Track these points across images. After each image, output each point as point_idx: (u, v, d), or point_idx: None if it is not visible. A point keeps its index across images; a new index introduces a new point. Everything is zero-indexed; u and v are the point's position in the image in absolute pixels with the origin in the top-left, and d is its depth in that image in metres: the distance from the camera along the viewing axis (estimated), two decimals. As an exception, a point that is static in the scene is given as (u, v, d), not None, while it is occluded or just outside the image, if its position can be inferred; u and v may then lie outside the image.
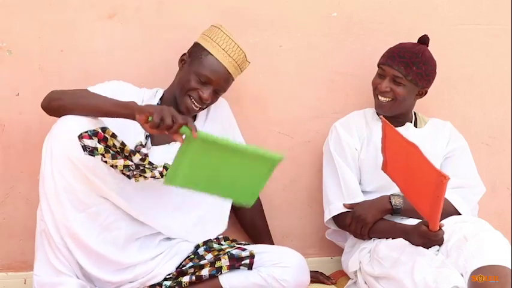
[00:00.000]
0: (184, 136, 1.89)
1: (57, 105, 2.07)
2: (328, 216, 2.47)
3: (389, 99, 2.41)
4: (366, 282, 2.33)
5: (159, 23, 2.49)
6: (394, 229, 2.32)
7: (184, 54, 2.32)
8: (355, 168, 2.48)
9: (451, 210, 2.31)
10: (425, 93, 2.48)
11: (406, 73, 2.38)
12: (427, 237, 2.16)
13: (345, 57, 2.68)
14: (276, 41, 2.64)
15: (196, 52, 2.28)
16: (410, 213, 2.32)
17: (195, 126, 1.88)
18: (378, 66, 2.47)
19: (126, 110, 1.98)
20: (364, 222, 2.35)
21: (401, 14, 2.73)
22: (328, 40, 2.68)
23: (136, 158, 2.08)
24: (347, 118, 2.57)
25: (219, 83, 2.26)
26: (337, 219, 2.47)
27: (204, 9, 2.55)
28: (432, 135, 2.52)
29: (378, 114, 2.52)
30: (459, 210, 2.34)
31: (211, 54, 2.25)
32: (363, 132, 2.51)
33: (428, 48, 2.47)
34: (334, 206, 2.44)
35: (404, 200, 2.33)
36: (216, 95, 2.29)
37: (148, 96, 2.35)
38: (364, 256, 2.36)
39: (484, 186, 2.48)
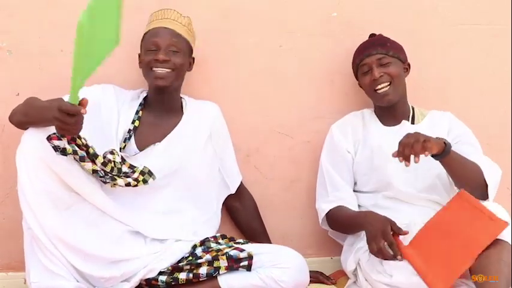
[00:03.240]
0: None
1: (15, 121, 2.15)
2: (319, 219, 2.50)
3: (388, 83, 2.41)
4: (366, 279, 2.33)
5: (159, 23, 2.49)
6: (354, 220, 2.33)
7: (139, 54, 2.40)
8: (348, 172, 2.48)
9: (477, 175, 2.24)
10: (409, 68, 2.51)
11: (386, 50, 2.43)
12: (385, 240, 2.14)
13: (345, 57, 2.68)
14: (276, 41, 2.64)
15: (141, 42, 2.38)
16: None
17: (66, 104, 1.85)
18: (357, 67, 2.49)
19: (51, 122, 1.96)
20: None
21: (401, 14, 2.73)
22: (328, 40, 2.68)
23: (99, 162, 2.10)
24: (344, 120, 2.57)
25: (165, 40, 2.31)
26: (328, 221, 2.48)
27: (204, 9, 2.55)
28: (430, 129, 2.44)
29: (376, 115, 2.53)
30: (486, 177, 2.25)
31: (148, 31, 2.36)
32: (358, 134, 2.51)
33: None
34: (321, 210, 2.47)
35: None
36: (175, 53, 2.32)
37: (131, 97, 2.40)
38: (362, 255, 2.35)
39: (499, 168, 2.34)
